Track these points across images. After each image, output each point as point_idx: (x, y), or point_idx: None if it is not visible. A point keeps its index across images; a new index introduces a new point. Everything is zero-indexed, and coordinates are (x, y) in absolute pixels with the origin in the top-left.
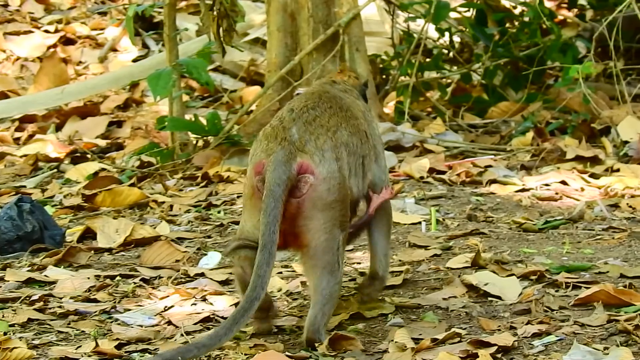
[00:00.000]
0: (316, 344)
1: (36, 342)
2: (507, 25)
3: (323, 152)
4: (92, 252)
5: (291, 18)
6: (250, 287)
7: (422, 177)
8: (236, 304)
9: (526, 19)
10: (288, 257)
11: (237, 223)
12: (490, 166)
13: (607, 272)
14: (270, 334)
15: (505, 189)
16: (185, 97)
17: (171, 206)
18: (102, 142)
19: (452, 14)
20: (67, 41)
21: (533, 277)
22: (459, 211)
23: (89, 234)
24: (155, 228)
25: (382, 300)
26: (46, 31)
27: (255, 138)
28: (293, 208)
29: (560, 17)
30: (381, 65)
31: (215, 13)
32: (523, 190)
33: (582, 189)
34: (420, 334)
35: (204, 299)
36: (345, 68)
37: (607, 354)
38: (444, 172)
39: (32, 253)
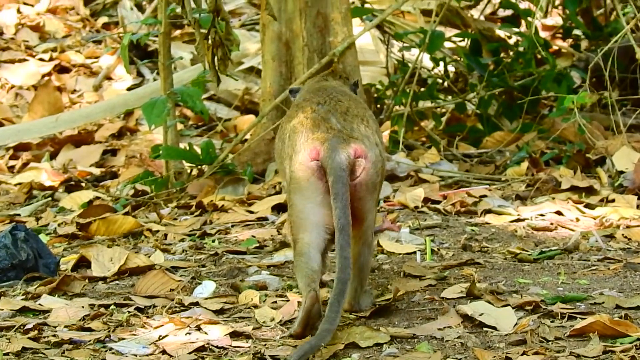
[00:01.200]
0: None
1: None
2: (502, 55)
3: (367, 137)
4: (87, 280)
5: (286, 47)
6: (340, 269)
7: (416, 207)
8: (231, 333)
9: (521, 49)
10: (282, 286)
11: (231, 252)
12: (485, 196)
13: (603, 302)
14: None
15: (500, 219)
16: (180, 126)
17: (165, 235)
18: (97, 171)
19: (447, 44)
20: (62, 69)
21: (528, 308)
22: (454, 241)
23: (83, 263)
24: (149, 257)
25: (377, 330)
26: (41, 59)
27: (276, 142)
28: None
29: (555, 47)
30: (376, 95)
31: (210, 42)
32: (518, 220)
33: (577, 220)
34: None
35: (198, 328)
36: (336, 68)
37: None
38: (438, 202)
39: (26, 281)
